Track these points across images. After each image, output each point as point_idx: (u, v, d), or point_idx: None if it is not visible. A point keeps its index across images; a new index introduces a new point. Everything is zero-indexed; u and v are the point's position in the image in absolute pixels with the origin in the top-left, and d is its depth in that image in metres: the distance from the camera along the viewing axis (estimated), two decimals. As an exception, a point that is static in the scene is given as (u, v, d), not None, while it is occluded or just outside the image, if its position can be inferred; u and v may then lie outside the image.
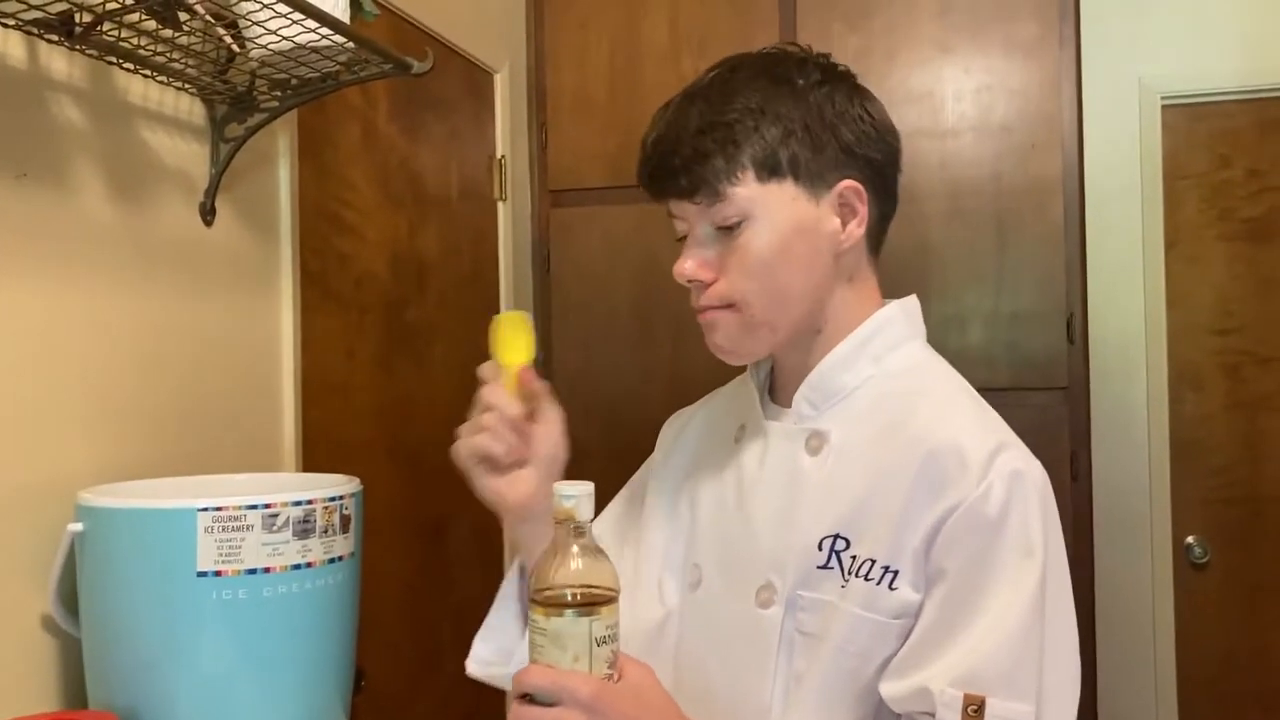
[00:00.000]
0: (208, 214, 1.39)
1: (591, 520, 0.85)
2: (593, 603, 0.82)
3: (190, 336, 1.37)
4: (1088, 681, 2.03)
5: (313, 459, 1.58)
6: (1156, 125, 2.34)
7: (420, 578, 1.89)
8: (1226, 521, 2.42)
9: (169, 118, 1.34)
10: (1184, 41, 2.33)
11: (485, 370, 1.00)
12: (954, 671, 0.84)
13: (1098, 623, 2.23)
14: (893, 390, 0.97)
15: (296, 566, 1.08)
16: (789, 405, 1.00)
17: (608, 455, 2.31)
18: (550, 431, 1.02)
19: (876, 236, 1.01)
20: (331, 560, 1.12)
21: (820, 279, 0.96)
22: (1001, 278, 2.11)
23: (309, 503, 1.09)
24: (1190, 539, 2.45)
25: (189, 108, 1.37)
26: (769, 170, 0.94)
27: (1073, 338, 2.07)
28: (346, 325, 1.70)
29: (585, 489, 0.85)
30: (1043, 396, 2.10)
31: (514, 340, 1.00)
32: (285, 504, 1.08)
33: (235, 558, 1.05)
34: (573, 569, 0.83)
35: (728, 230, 0.94)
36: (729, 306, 0.96)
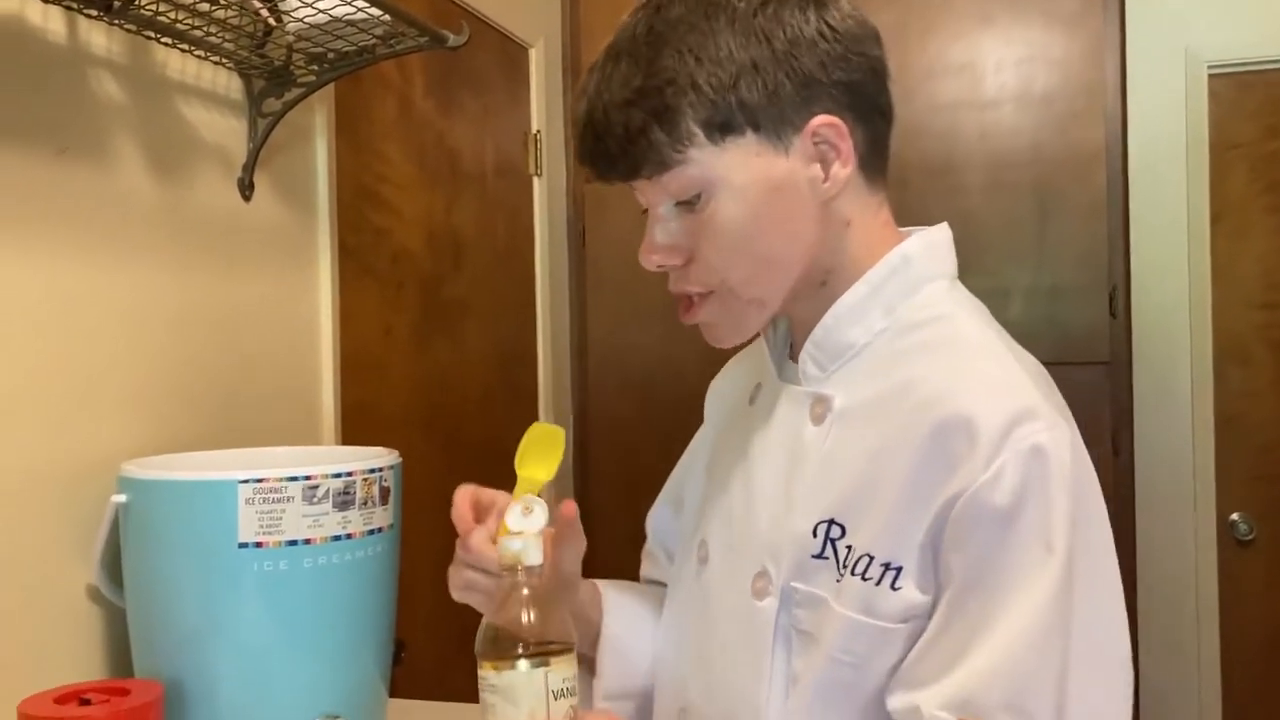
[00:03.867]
0: (246, 189, 1.40)
1: (540, 565, 0.78)
2: (546, 653, 0.75)
3: (230, 312, 1.37)
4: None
5: (352, 434, 1.59)
6: (1203, 94, 2.30)
7: (454, 554, 1.89)
8: (1272, 498, 2.38)
9: (207, 92, 1.35)
10: (1231, 9, 2.28)
11: (460, 519, 0.92)
12: (948, 692, 0.72)
13: (1139, 600, 2.20)
14: (907, 346, 0.82)
15: (336, 538, 1.09)
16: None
17: (643, 430, 2.32)
18: (558, 559, 0.89)
19: (874, 163, 0.85)
20: (371, 532, 1.12)
21: (810, 237, 0.83)
22: (1042, 251, 2.08)
23: (349, 475, 1.10)
24: (1235, 516, 2.42)
25: (226, 83, 1.38)
26: (719, 128, 0.79)
27: (1115, 311, 2.04)
28: (383, 301, 1.70)
29: (533, 527, 0.79)
30: (1084, 371, 2.07)
31: (543, 456, 0.91)
32: (325, 476, 1.08)
33: (276, 529, 1.06)
34: (523, 619, 0.76)
35: (689, 205, 0.81)
36: (709, 292, 0.85)
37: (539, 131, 2.20)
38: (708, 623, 0.90)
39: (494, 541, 0.86)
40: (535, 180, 2.19)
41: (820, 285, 0.86)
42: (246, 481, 1.05)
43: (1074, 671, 0.72)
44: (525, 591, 0.77)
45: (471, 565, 0.90)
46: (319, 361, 1.55)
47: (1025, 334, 2.14)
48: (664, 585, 1.04)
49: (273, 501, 1.06)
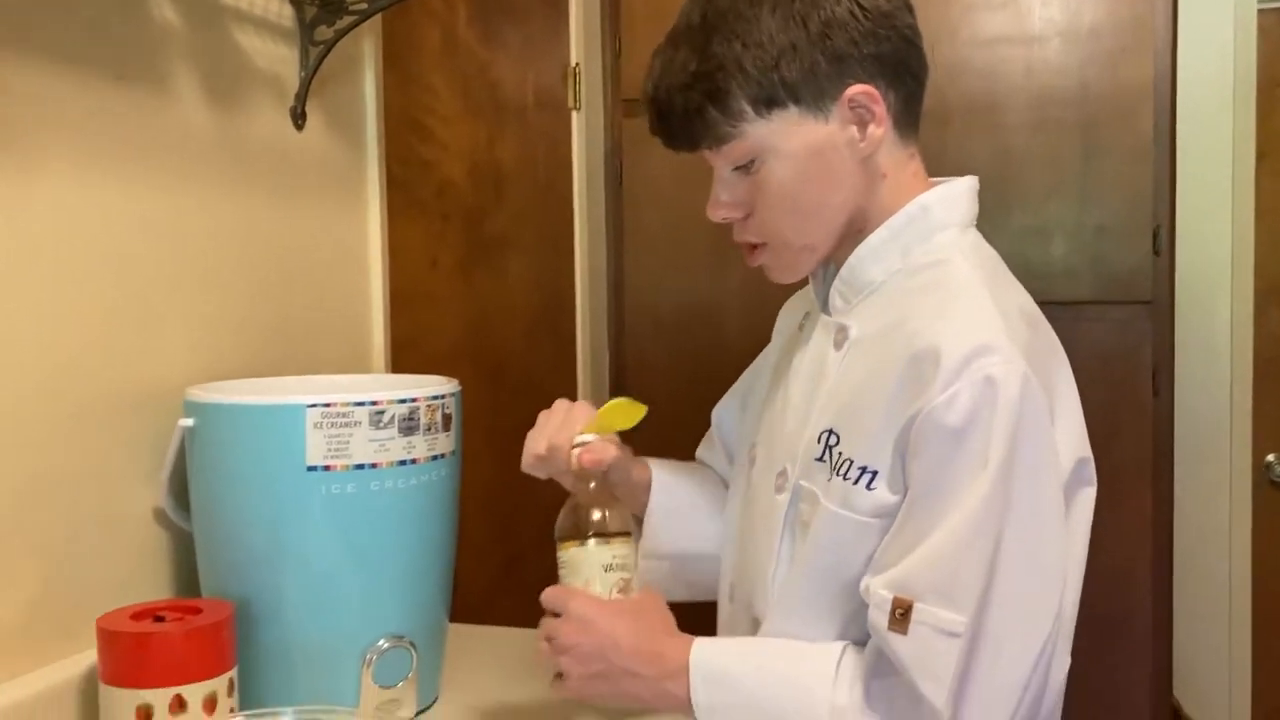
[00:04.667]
0: (298, 118, 1.39)
1: (604, 472, 1.00)
2: (602, 534, 0.96)
3: (282, 241, 1.38)
4: (1163, 596, 2.02)
5: (399, 366, 1.59)
6: (1252, 30, 2.26)
7: (501, 484, 1.91)
8: (1309, 440, 2.38)
9: (260, 20, 1.34)
10: (1282, -58, 2.23)
11: (552, 417, 1.08)
12: (892, 575, 0.84)
13: (1176, 537, 2.21)
14: (912, 286, 0.94)
15: (402, 462, 1.10)
16: None
17: (676, 374, 2.32)
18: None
19: (906, 121, 0.97)
20: (434, 457, 1.13)
21: (850, 190, 0.95)
22: (1086, 189, 2.06)
23: (413, 400, 1.11)
24: (1270, 457, 2.42)
25: (279, 10, 1.37)
26: (765, 104, 0.92)
27: (1159, 250, 2.02)
28: (429, 234, 1.71)
29: (592, 439, 1.00)
30: (1125, 311, 2.05)
31: (622, 414, 1.06)
32: (391, 401, 1.09)
33: (343, 453, 1.07)
34: (587, 508, 0.97)
35: (745, 169, 0.95)
36: (766, 244, 0.98)
37: (578, 65, 2.18)
38: (749, 514, 1.04)
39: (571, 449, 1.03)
40: (574, 115, 2.18)
41: (859, 232, 0.98)
42: (314, 406, 1.06)
43: (1000, 572, 0.83)
44: (591, 489, 0.99)
45: (546, 456, 1.05)
46: (368, 292, 1.55)
47: (1066, 273, 2.13)
48: (711, 468, 1.23)
49: (340, 426, 1.07)
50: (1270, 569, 2.36)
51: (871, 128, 0.94)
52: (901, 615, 0.83)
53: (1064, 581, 0.87)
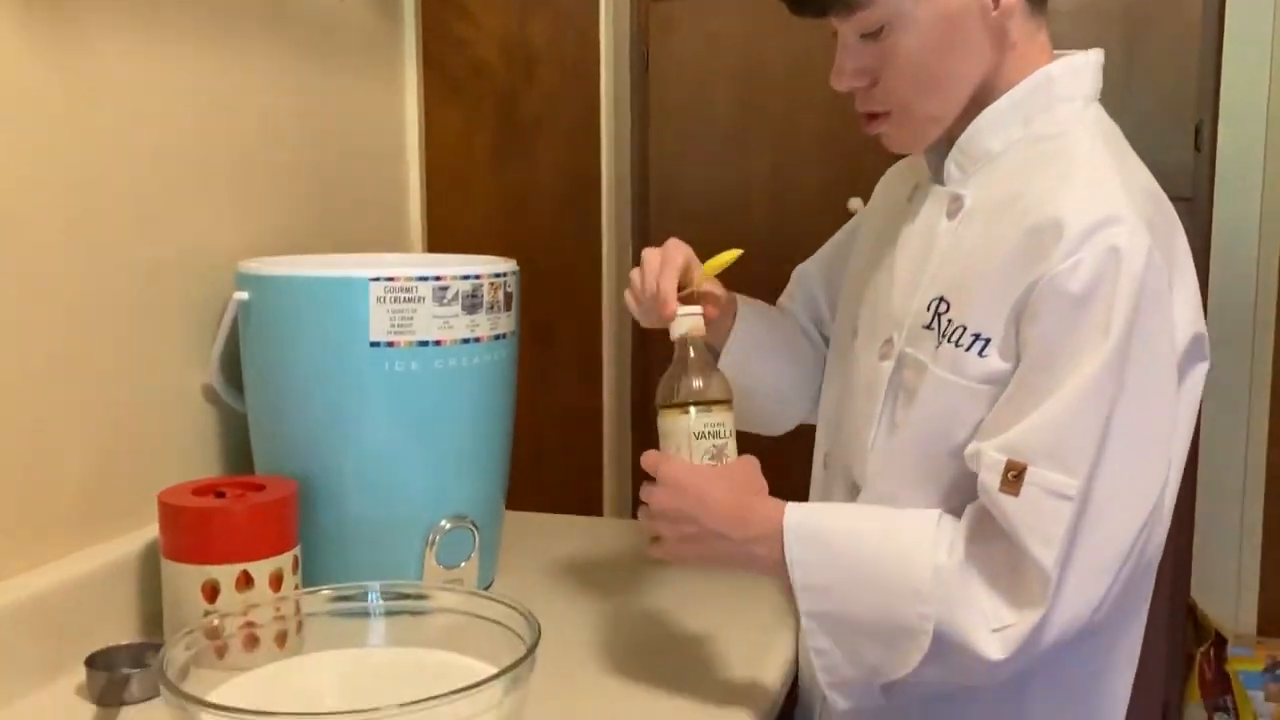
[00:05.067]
0: (340, -14, 1.33)
1: (702, 338, 0.99)
2: (697, 403, 0.95)
3: (323, 118, 1.33)
4: (1186, 499, 2.03)
5: (435, 248, 1.56)
6: (1299, -78, 2.19)
7: (526, 380, 1.89)
8: (1332, 343, 2.37)
9: (300, -123, 1.27)
10: None
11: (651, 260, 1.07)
12: (1005, 439, 0.84)
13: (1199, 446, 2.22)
14: (1032, 155, 0.92)
15: (465, 341, 1.07)
16: None
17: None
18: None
19: None
20: (497, 337, 1.10)
21: (978, 60, 0.93)
22: (1130, 81, 2.01)
23: (476, 277, 1.07)
24: (1292, 359, 2.41)
25: None
26: None
27: (1200, 146, 1.99)
28: (464, 114, 1.65)
29: (694, 310, 1.00)
30: (1161, 208, 2.03)
31: (721, 260, 1.08)
32: (454, 277, 1.06)
33: (407, 329, 1.04)
34: (684, 378, 0.97)
35: (874, 36, 0.92)
36: (889, 113, 0.95)
37: (607, -56, 2.10)
38: (849, 384, 1.04)
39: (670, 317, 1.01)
40: (602, -3, 2.10)
41: (979, 103, 0.95)
42: (378, 279, 1.03)
43: (1113, 440, 0.82)
44: (689, 360, 0.97)
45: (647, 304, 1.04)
46: (406, 172, 1.51)
47: (1106, 168, 2.08)
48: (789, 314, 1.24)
49: (404, 301, 1.03)
50: (1284, 472, 2.37)
51: None
52: (1014, 477, 0.82)
53: (1169, 456, 0.87)
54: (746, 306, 1.16)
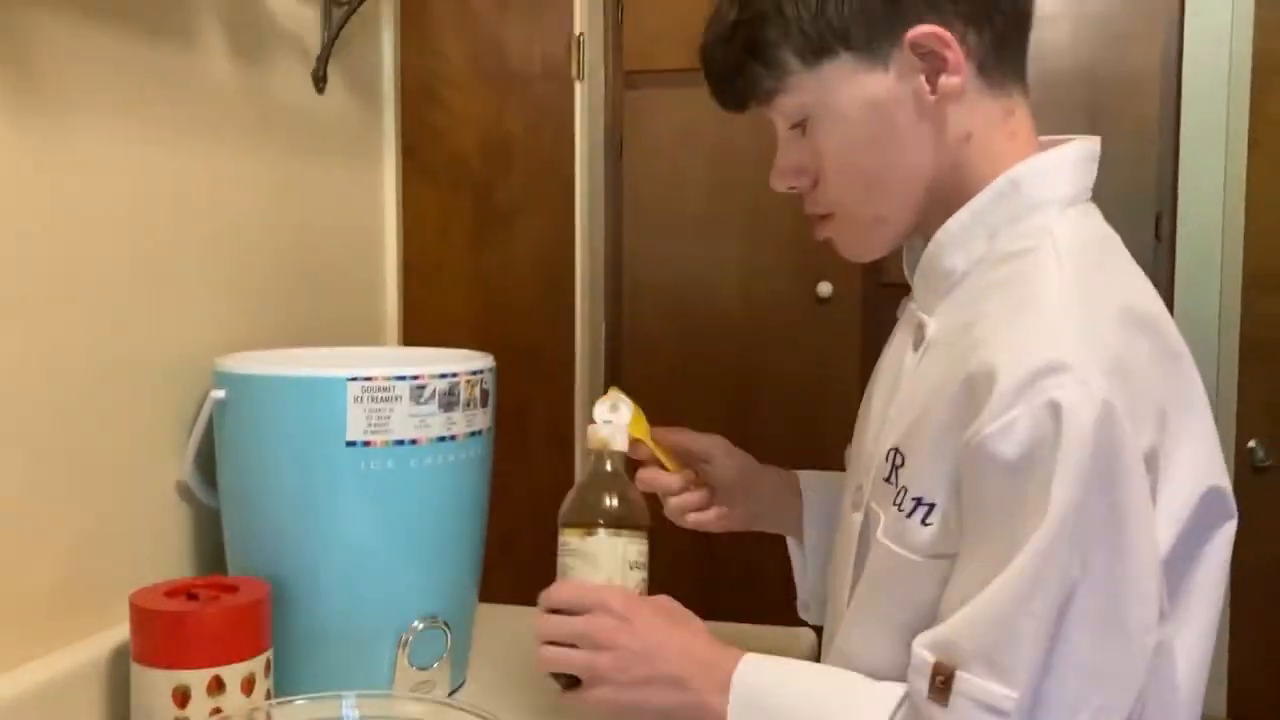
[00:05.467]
0: (320, 81, 1.35)
1: (623, 453, 0.92)
2: (624, 527, 0.87)
3: (300, 208, 1.34)
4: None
5: (411, 338, 1.56)
6: (1249, 18, 2.27)
7: (499, 460, 1.88)
8: (1290, 426, 2.40)
9: (284, -22, 1.29)
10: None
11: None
12: (934, 634, 0.73)
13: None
14: (993, 279, 0.80)
15: (441, 439, 1.07)
16: None
17: (675, 348, 2.31)
18: (717, 463, 1.06)
19: (997, 68, 0.81)
20: (473, 434, 1.11)
21: (921, 152, 0.82)
22: (1091, 172, 2.07)
23: (454, 375, 1.08)
24: (1253, 443, 2.45)
25: (302, -32, 1.32)
26: (813, 53, 0.81)
27: (1160, 236, 2.04)
28: (441, 203, 1.67)
29: (621, 420, 0.92)
30: (1123, 295, 2.07)
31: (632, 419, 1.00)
32: (432, 376, 1.06)
33: (384, 428, 1.04)
34: (607, 494, 0.89)
35: (800, 128, 0.85)
36: (833, 215, 0.87)
37: (582, 34, 2.14)
38: (837, 531, 0.97)
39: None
40: (577, 85, 2.14)
41: (947, 204, 0.83)
42: (355, 379, 1.03)
43: (1068, 638, 0.69)
44: (609, 473, 0.90)
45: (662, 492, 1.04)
46: (383, 261, 1.52)
47: (1070, 256, 2.12)
48: None
49: (381, 400, 1.04)
50: (1250, 552, 2.39)
51: (944, 78, 0.79)
52: (942, 684, 0.71)
53: (1150, 646, 0.72)
54: (807, 477, 1.08)
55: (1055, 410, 0.68)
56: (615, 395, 0.99)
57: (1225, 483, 0.78)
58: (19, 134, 0.95)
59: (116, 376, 1.07)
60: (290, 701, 0.86)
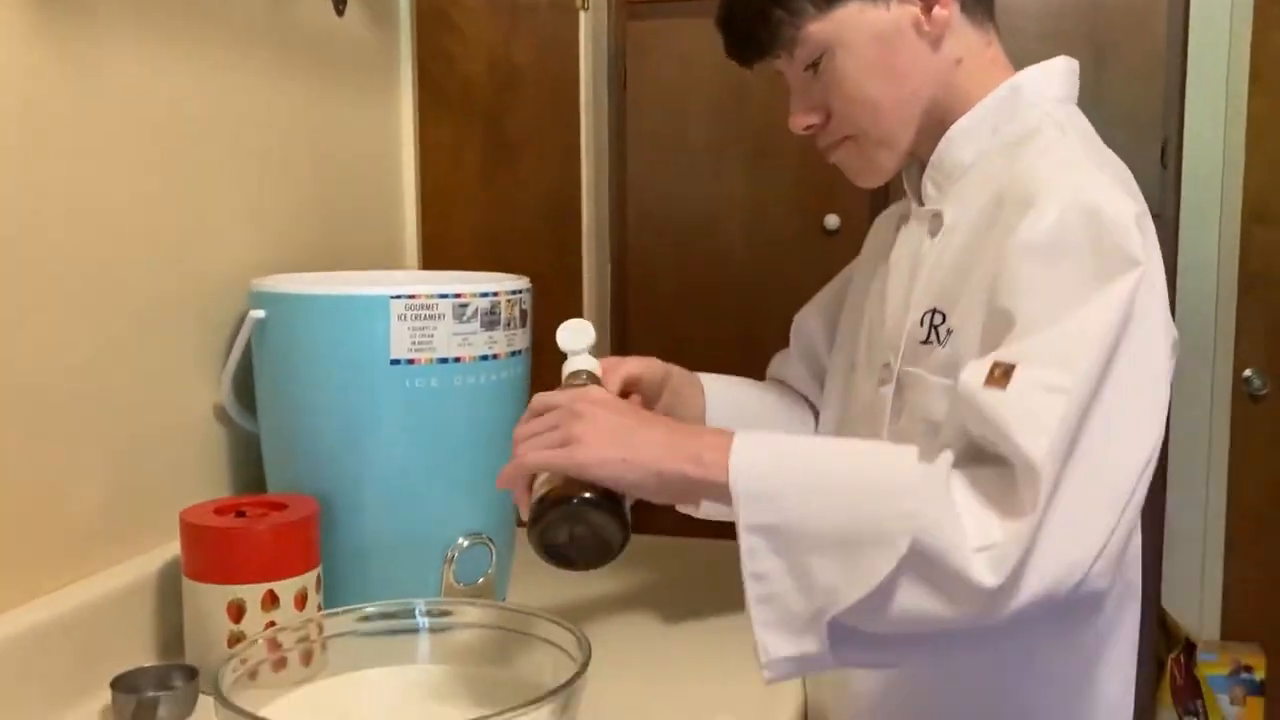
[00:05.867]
0: (339, 3, 1.33)
1: (589, 372, 0.95)
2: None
3: (322, 134, 1.33)
4: (1156, 510, 2.08)
5: (430, 266, 1.56)
6: (1254, -53, 2.27)
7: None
8: (1286, 355, 2.44)
9: (304, -105, 1.27)
10: None
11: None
12: (990, 355, 0.77)
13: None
14: (1004, 161, 0.90)
15: (484, 358, 1.07)
16: None
17: (680, 278, 2.30)
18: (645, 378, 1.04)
19: (976, 5, 0.95)
20: (513, 353, 1.11)
21: (923, 77, 0.93)
22: (1097, 99, 2.06)
23: (494, 294, 1.08)
24: (1248, 371, 2.48)
25: (322, -114, 1.30)
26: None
27: (1166, 164, 2.05)
28: (455, 131, 1.66)
29: (581, 345, 0.96)
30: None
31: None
32: (474, 294, 1.06)
33: (428, 346, 1.04)
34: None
35: (815, 68, 0.94)
36: (846, 139, 0.96)
37: (586, -38, 2.11)
38: (850, 416, 1.03)
39: None
40: (582, 15, 2.12)
41: (940, 123, 0.95)
42: (399, 297, 1.03)
43: (1114, 375, 0.74)
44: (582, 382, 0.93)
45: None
46: (401, 189, 1.51)
47: (1077, 185, 2.12)
48: (783, 383, 1.20)
49: (424, 318, 1.04)
50: (1245, 481, 2.44)
51: (936, 9, 0.92)
52: (1002, 374, 0.73)
53: (1163, 417, 0.78)
54: (714, 384, 1.12)
55: (1095, 208, 0.77)
56: (572, 321, 1.01)
57: (1175, 334, 0.84)
58: (53, 61, 0.94)
59: (151, 298, 1.06)
60: (360, 609, 0.86)
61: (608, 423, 0.80)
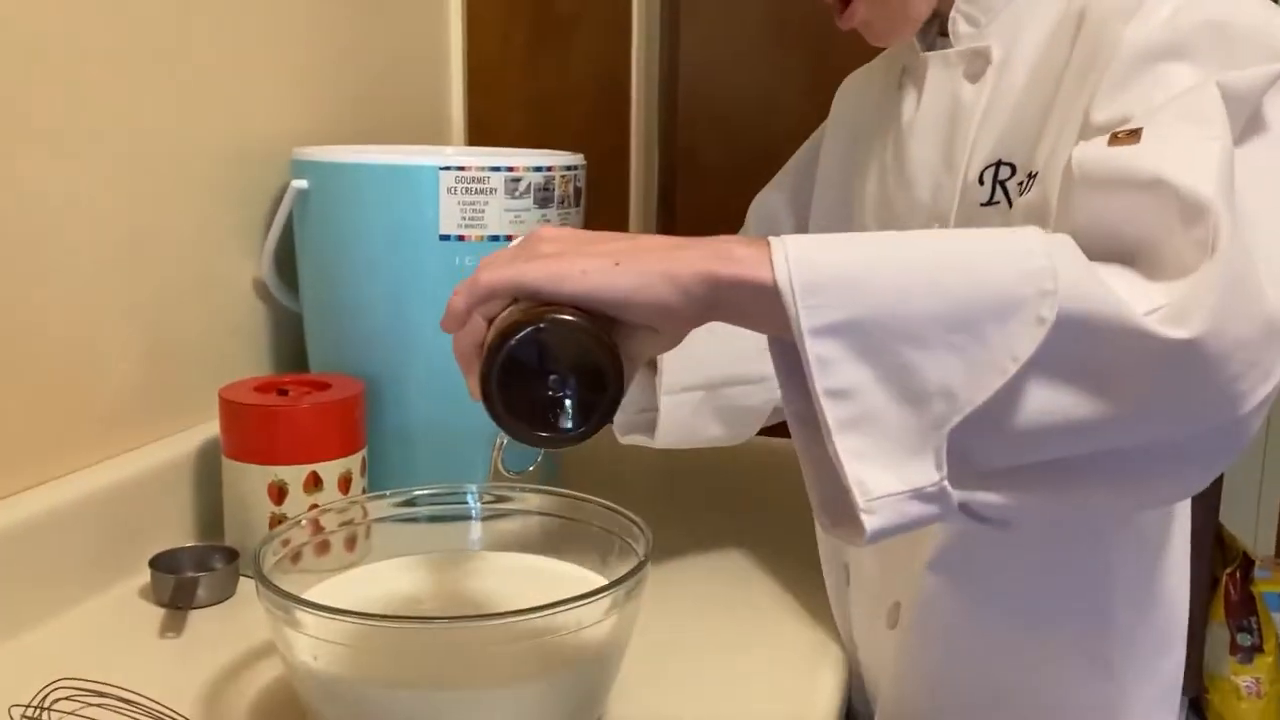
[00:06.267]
0: None
1: None
2: None
3: (367, 1, 1.26)
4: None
5: (476, 143, 1.50)
6: None
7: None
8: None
9: None
10: None
11: None
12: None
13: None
14: None
15: (536, 236, 1.01)
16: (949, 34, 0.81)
17: (732, 172, 2.22)
18: None
19: None
20: (567, 233, 1.05)
21: None
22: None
23: (548, 170, 1.01)
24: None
25: None
26: None
27: None
28: (503, 4, 1.57)
29: None
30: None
31: None
32: (527, 169, 1.00)
33: (478, 223, 0.98)
34: None
35: None
36: None
37: None
38: None
39: None
40: (636, -113, 2.01)
41: None
42: (448, 169, 0.97)
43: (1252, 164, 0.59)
44: None
45: None
46: (449, 64, 1.44)
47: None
48: None
49: (475, 192, 0.98)
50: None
51: None
52: (1127, 134, 0.59)
53: None
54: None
55: (1218, 21, 0.63)
56: None
57: None
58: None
59: (188, 168, 1.01)
60: (408, 491, 0.82)
61: (588, 236, 0.58)
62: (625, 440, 0.93)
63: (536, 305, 0.54)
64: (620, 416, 0.92)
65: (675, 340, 0.58)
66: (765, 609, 0.91)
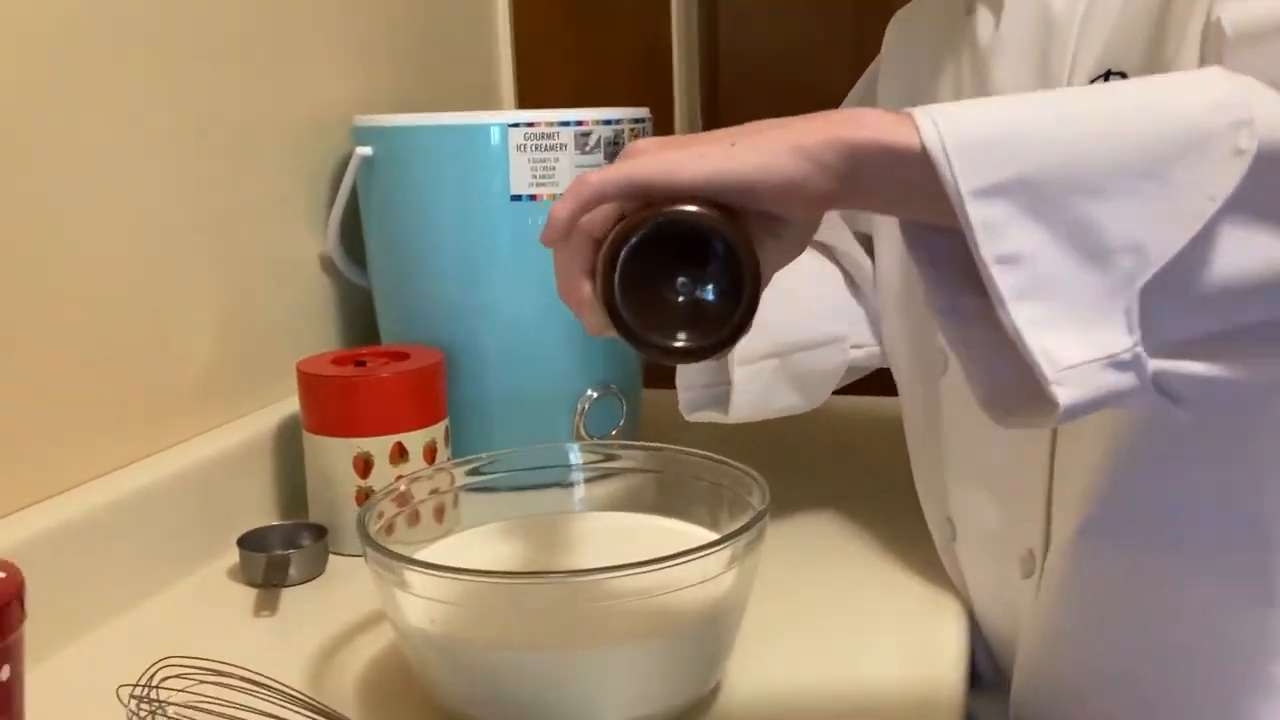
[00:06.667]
0: None
1: None
2: None
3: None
4: None
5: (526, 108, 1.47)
6: None
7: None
8: None
9: None
10: None
11: None
12: None
13: None
14: None
15: (609, 193, 0.98)
16: None
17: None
18: None
19: None
20: (639, 188, 1.02)
21: None
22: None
23: (618, 123, 0.99)
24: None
25: None
26: None
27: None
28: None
29: None
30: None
31: None
32: (596, 123, 0.97)
33: (550, 180, 0.96)
34: None
35: None
36: None
37: None
38: None
39: None
40: None
41: None
42: (517, 125, 0.94)
43: None
44: None
45: None
46: (496, 29, 1.41)
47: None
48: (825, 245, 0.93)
49: (545, 149, 0.95)
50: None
51: None
52: None
53: None
54: None
55: None
56: None
57: None
58: None
59: (251, 140, 0.98)
60: (501, 455, 0.79)
61: (690, 135, 0.52)
62: (693, 418, 0.89)
63: (651, 205, 0.49)
64: (687, 394, 0.89)
65: (805, 236, 0.52)
66: (875, 564, 0.88)
